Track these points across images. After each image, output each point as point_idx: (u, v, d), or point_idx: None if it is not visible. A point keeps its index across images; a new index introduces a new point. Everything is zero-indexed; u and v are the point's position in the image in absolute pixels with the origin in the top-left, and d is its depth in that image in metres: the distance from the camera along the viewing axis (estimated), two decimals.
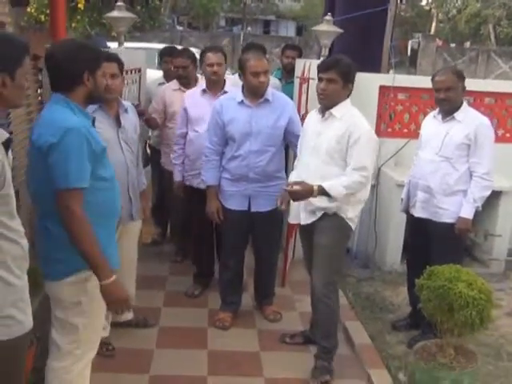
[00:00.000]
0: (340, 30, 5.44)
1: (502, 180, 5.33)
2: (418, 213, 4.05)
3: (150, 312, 4.31)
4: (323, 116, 3.53)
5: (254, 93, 3.95)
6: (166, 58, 5.56)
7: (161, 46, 9.53)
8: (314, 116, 3.66)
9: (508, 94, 5.87)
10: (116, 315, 3.65)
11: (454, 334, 3.25)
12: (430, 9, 30.38)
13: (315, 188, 3.35)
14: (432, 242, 3.97)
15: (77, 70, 2.53)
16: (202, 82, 4.67)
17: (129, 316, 3.96)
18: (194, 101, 4.46)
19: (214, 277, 4.83)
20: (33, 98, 4.09)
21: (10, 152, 2.04)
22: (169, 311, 4.43)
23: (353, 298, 4.76)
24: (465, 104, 3.92)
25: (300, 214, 3.64)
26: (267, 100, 3.99)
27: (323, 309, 3.60)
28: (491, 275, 5.29)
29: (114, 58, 3.56)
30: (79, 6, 16.18)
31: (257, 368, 3.74)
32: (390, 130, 5.73)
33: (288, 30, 37.25)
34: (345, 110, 3.48)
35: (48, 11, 16.45)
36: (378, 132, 5.67)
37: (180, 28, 28.82)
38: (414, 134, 5.37)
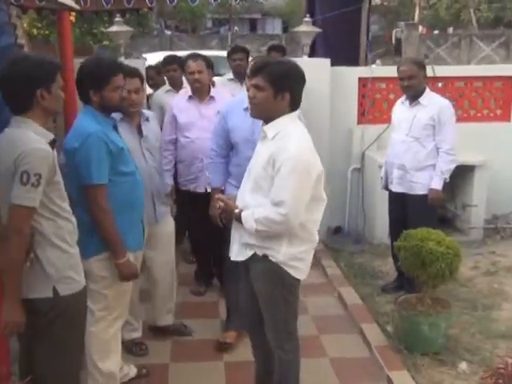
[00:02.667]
0: (319, 30, 6.01)
1: (476, 155, 5.89)
2: (395, 188, 4.63)
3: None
4: (262, 134, 2.95)
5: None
6: (169, 66, 5.62)
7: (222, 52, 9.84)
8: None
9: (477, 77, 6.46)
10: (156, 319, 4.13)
11: (429, 286, 3.82)
12: None
13: (236, 211, 2.89)
14: (409, 213, 4.54)
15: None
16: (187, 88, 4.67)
17: (169, 320, 4.16)
18: (182, 107, 4.49)
19: (214, 277, 4.97)
20: None
21: (54, 150, 2.59)
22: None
23: (345, 269, 5.33)
24: (427, 90, 4.49)
25: (233, 245, 3.07)
26: None
27: (277, 361, 3.06)
28: (471, 242, 5.89)
29: (136, 74, 3.71)
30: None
31: None
32: (370, 117, 6.30)
33: (274, 28, 37.77)
34: (279, 128, 2.82)
35: (39, 25, 16.95)
36: (361, 120, 6.28)
37: (168, 32, 29.23)
38: None
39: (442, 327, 3.84)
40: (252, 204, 2.85)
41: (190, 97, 4.49)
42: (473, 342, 4.02)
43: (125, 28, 5.75)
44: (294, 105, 2.86)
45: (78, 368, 2.75)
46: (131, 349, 3.90)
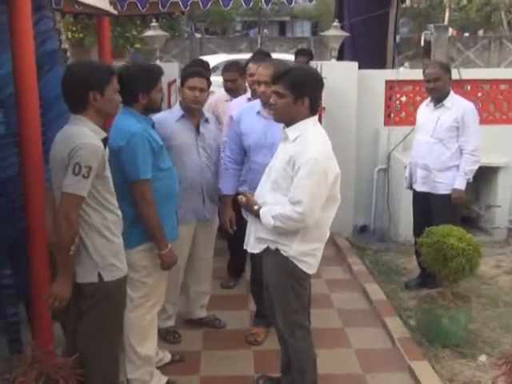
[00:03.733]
0: (346, 34, 6.20)
1: (500, 157, 6.01)
2: (419, 187, 4.79)
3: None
4: (283, 135, 3.13)
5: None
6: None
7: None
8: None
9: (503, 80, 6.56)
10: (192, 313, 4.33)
11: (450, 280, 3.98)
12: None
13: (255, 208, 3.10)
14: (432, 212, 4.69)
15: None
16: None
17: (202, 314, 4.36)
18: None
19: (244, 271, 5.13)
20: None
21: (106, 148, 2.83)
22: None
23: (370, 266, 5.49)
24: (452, 92, 4.65)
25: (249, 238, 3.26)
26: None
27: (290, 349, 3.24)
28: (495, 242, 6.02)
29: (205, 75, 3.94)
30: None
31: None
32: (397, 119, 6.45)
33: (303, 31, 37.92)
34: (300, 131, 2.99)
35: (74, 28, 17.36)
36: (387, 121, 6.44)
37: (198, 35, 29.57)
38: None
39: (461, 321, 3.99)
40: (271, 202, 3.03)
41: (249, 99, 4.53)
42: (493, 336, 4.17)
43: (160, 32, 6.00)
44: (314, 108, 3.04)
45: (117, 348, 2.98)
46: (165, 337, 4.10)
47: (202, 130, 3.95)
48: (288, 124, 3.06)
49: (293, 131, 3.02)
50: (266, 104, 3.67)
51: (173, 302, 4.11)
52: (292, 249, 3.01)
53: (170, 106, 5.85)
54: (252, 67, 4.43)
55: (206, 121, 4.02)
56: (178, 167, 3.64)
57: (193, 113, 3.92)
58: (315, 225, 3.00)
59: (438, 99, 4.61)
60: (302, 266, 3.04)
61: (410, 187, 4.96)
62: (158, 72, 3.43)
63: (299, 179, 2.89)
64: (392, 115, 6.47)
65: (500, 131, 6.22)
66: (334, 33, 6.00)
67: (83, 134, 2.65)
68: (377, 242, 6.17)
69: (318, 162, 2.89)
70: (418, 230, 4.80)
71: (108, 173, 2.77)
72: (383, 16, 7.18)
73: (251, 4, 6.39)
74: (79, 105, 2.73)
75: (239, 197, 3.26)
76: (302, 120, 3.01)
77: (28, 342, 3.12)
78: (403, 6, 7.50)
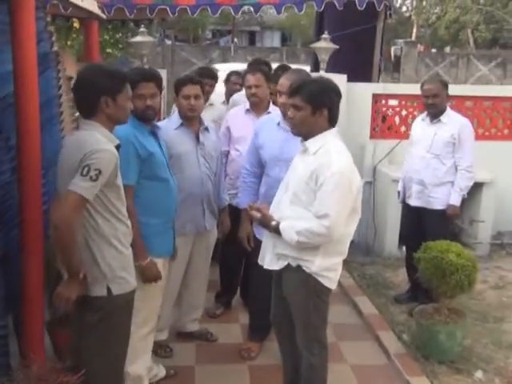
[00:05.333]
0: (336, 46, 6.18)
1: (484, 173, 6.07)
2: (413, 202, 4.79)
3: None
4: (302, 148, 3.07)
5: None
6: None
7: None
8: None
9: (486, 97, 6.66)
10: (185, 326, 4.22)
11: (448, 296, 3.98)
12: (410, 16, 31.35)
13: (273, 223, 3.00)
14: (425, 226, 4.70)
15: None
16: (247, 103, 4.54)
17: (195, 327, 4.27)
18: (238, 120, 4.46)
19: (236, 296, 4.87)
20: (67, 116, 4.15)
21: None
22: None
23: (358, 279, 5.48)
24: (448, 108, 4.68)
25: (266, 255, 3.18)
26: None
27: (305, 365, 3.16)
28: (477, 257, 5.92)
29: (197, 81, 3.79)
30: (75, 25, 16.86)
31: None
32: (382, 132, 6.48)
33: (273, 41, 38.09)
34: (320, 144, 2.95)
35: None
36: (373, 135, 6.46)
37: (168, 42, 29.40)
38: (405, 135, 6.16)
39: (458, 336, 3.99)
40: (291, 216, 2.95)
41: (247, 110, 4.45)
42: (486, 352, 4.18)
43: (148, 38, 5.90)
44: (333, 120, 3.00)
45: (124, 363, 2.87)
46: (156, 351, 3.96)
47: (201, 138, 3.84)
48: (306, 137, 3.01)
49: (313, 144, 2.97)
50: (285, 115, 3.54)
51: (166, 315, 4.00)
52: (314, 264, 2.95)
53: (159, 116, 5.71)
54: (250, 78, 4.34)
55: (206, 129, 3.91)
56: (177, 177, 3.53)
57: (191, 121, 3.83)
58: (337, 239, 2.94)
59: (435, 114, 4.63)
60: (324, 282, 2.99)
61: (403, 201, 4.95)
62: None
63: (324, 193, 2.84)
64: (377, 129, 6.49)
65: (484, 147, 6.28)
66: (325, 45, 6.00)
67: (96, 140, 2.55)
68: (362, 256, 6.16)
69: (343, 176, 2.86)
70: (410, 244, 4.82)
71: (120, 181, 2.67)
72: (369, 30, 7.20)
73: (218, 13, 6.38)
74: (89, 109, 2.63)
75: (253, 212, 3.14)
76: (322, 132, 2.97)
77: (14, 355, 2.99)
78: (389, 21, 7.50)
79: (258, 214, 3.10)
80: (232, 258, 4.63)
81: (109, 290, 2.63)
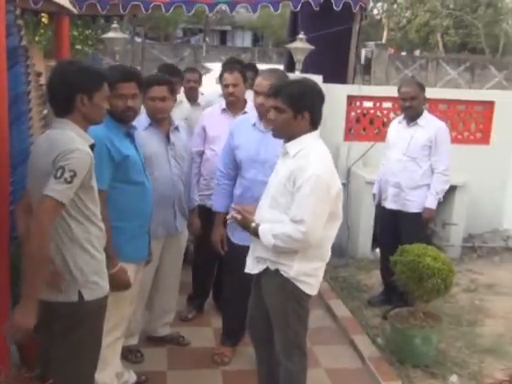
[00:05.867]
0: (312, 47, 6.14)
1: (457, 176, 6.08)
2: (389, 205, 4.76)
3: None
4: (283, 151, 2.99)
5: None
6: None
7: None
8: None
9: (459, 100, 6.69)
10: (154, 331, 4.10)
11: (424, 300, 3.95)
12: (381, 18, 31.62)
13: (253, 225, 2.94)
14: (401, 229, 4.67)
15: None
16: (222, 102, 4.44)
17: (166, 331, 4.15)
18: (214, 119, 4.36)
19: (208, 299, 4.77)
20: (35, 114, 4.07)
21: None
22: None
23: (331, 281, 5.43)
24: (425, 111, 4.66)
25: (247, 258, 3.13)
26: None
27: (283, 372, 3.08)
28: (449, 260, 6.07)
29: (164, 82, 3.66)
30: (43, 20, 16.55)
31: None
32: (356, 134, 6.45)
33: (244, 41, 38.02)
34: (300, 147, 2.87)
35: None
36: (347, 137, 6.43)
37: (138, 39, 29.09)
38: (379, 138, 6.15)
39: (433, 341, 3.97)
40: (270, 219, 2.89)
41: (223, 110, 4.35)
42: (460, 356, 4.17)
43: (121, 35, 5.77)
44: (315, 123, 2.92)
45: (95, 370, 2.75)
46: (126, 356, 3.86)
47: (172, 138, 3.73)
48: (288, 140, 2.93)
49: (293, 146, 2.89)
50: (262, 116, 3.46)
51: (137, 320, 3.88)
52: (292, 269, 2.88)
53: None
54: (228, 77, 4.24)
55: (176, 129, 3.79)
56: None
57: (160, 122, 3.71)
58: (316, 244, 2.86)
59: (412, 117, 4.60)
60: (302, 287, 2.91)
61: (379, 204, 4.92)
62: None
63: (301, 197, 2.76)
64: (352, 130, 6.47)
65: (457, 151, 6.30)
66: (301, 45, 5.95)
67: (69, 139, 2.43)
68: (335, 258, 6.10)
69: (320, 178, 2.77)
70: (386, 247, 4.79)
71: (94, 182, 2.54)
72: (344, 31, 7.17)
73: (193, 10, 6.29)
74: (64, 107, 2.50)
75: (233, 214, 3.05)
76: (304, 135, 2.89)
77: None
78: (363, 23, 7.48)
79: (238, 216, 3.02)
80: (205, 260, 4.52)
81: (80, 295, 2.51)
